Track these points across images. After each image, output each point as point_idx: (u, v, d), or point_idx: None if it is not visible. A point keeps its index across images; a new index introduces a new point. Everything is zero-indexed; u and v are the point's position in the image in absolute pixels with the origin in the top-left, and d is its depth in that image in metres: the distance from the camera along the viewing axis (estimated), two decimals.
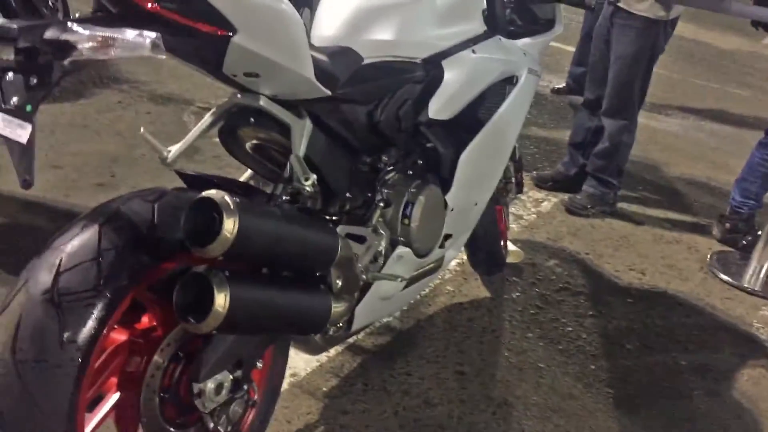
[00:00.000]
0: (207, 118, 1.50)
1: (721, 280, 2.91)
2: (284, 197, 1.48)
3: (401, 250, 1.74)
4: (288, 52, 1.31)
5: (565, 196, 3.40)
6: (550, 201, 3.41)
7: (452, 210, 1.90)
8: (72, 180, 2.75)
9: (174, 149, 1.49)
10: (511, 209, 3.23)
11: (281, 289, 1.37)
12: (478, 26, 1.91)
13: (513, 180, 2.49)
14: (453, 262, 2.64)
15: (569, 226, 3.20)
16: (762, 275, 2.90)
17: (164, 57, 1.05)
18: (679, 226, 3.38)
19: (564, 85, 4.88)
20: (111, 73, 3.87)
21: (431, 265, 1.96)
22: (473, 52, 1.86)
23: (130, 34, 0.98)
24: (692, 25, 7.62)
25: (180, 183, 1.42)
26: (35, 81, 1.02)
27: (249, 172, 1.72)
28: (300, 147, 1.43)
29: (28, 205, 2.55)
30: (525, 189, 3.45)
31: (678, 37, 7.64)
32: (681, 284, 2.85)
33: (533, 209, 3.31)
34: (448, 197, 1.87)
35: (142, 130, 1.47)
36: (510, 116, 2.04)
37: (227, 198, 1.14)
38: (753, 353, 2.48)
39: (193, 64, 1.30)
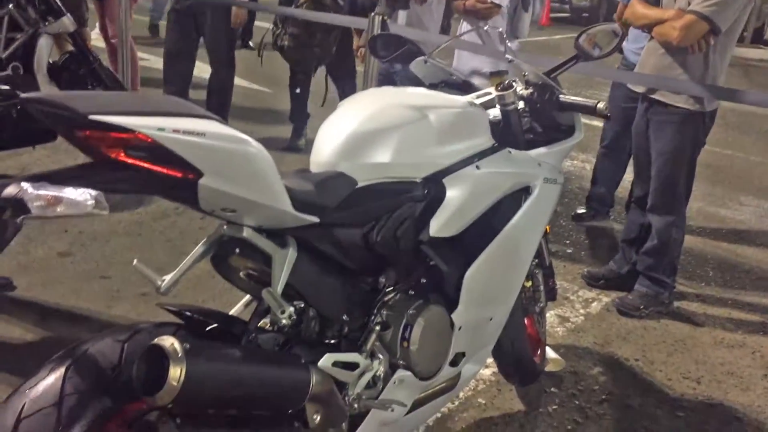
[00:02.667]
0: (199, 247, 1.54)
1: None
2: (269, 327, 1.49)
3: (401, 373, 1.70)
4: (259, 189, 1.33)
5: (617, 296, 3.26)
6: (600, 301, 3.27)
7: (460, 329, 1.85)
8: (116, 290, 2.86)
9: (167, 279, 1.54)
10: (558, 311, 3.13)
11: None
12: (484, 141, 1.90)
13: (542, 288, 2.41)
14: (487, 372, 2.56)
15: (619, 328, 3.05)
16: None
17: (107, 213, 1.09)
18: (744, 327, 3.15)
19: (585, 210, 4.27)
20: None
21: (442, 385, 1.90)
22: (477, 167, 1.84)
23: (74, 193, 1.03)
24: None
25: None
26: None
27: (248, 296, 1.74)
28: (279, 279, 1.44)
29: (71, 316, 2.67)
30: (575, 288, 3.36)
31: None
32: (740, 394, 2.63)
33: (582, 310, 3.18)
34: (455, 316, 1.83)
35: (135, 261, 1.52)
36: (524, 228, 2.00)
37: (176, 345, 1.15)
38: None
39: (170, 201, 1.34)
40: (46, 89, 3.69)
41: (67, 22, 3.84)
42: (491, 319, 2.00)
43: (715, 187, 5.13)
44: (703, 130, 3.02)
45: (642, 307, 3.16)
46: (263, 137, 5.12)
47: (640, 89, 3.15)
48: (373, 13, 3.76)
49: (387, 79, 3.93)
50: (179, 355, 1.14)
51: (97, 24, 5.76)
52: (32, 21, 3.66)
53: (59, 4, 3.85)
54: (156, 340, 1.17)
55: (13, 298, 2.68)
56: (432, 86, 2.28)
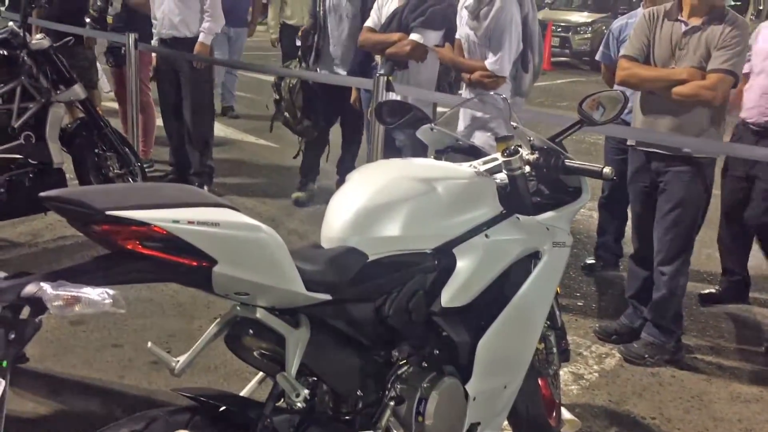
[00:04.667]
0: (213, 327, 1.55)
1: None
2: (285, 406, 1.49)
3: None
4: (272, 274, 1.35)
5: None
6: (614, 356, 3.24)
7: (475, 399, 1.84)
8: (129, 359, 2.86)
9: (182, 360, 1.54)
10: (572, 368, 3.10)
11: None
12: (492, 208, 1.92)
13: (555, 349, 2.40)
14: None
15: (634, 384, 3.02)
16: None
17: (124, 311, 1.11)
18: (760, 381, 3.12)
19: (594, 261, 4.24)
20: None
21: None
22: (486, 236, 1.86)
23: (92, 292, 1.05)
24: None
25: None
26: (13, 336, 1.10)
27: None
28: (293, 362, 1.45)
29: (83, 387, 2.66)
30: (588, 343, 3.34)
31: None
32: None
33: (595, 366, 3.15)
34: (470, 386, 1.82)
35: (149, 344, 1.54)
36: (535, 293, 2.00)
37: None
38: None
39: (185, 286, 1.36)
40: (59, 158, 3.76)
41: (78, 90, 3.94)
42: (506, 387, 1.99)
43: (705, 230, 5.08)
44: (712, 177, 3.07)
45: (647, 356, 3.16)
46: (271, 192, 5.22)
47: (646, 146, 3.17)
48: (377, 74, 3.83)
49: (391, 144, 4.00)
50: None
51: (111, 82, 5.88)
52: (44, 90, 3.76)
53: (71, 72, 3.95)
54: None
55: (26, 369, 2.68)
56: (439, 152, 2.31)
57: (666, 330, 3.17)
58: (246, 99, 8.37)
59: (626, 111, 3.52)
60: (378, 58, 4.28)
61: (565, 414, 2.62)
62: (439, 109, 4.50)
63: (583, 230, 4.88)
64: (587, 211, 5.34)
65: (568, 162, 2.09)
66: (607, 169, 2.01)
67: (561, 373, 3.00)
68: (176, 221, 1.20)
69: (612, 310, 3.70)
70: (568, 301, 3.78)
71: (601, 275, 4.17)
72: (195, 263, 1.24)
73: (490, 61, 3.49)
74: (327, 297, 1.51)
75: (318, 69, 4.68)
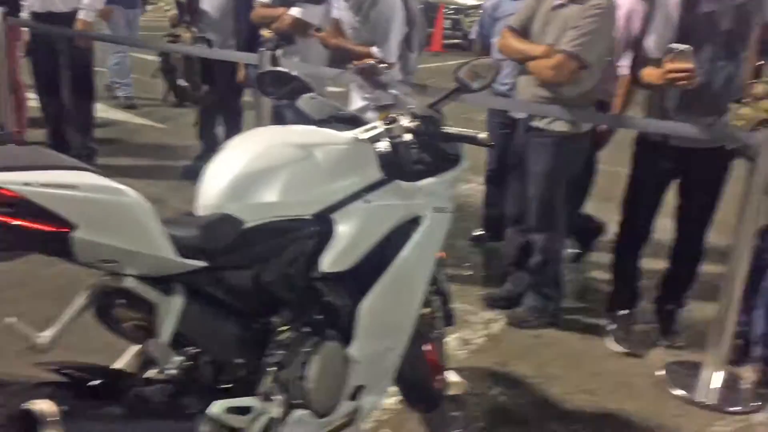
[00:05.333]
0: (79, 300, 1.48)
1: (674, 395, 2.83)
2: (159, 377, 1.45)
3: (299, 413, 1.69)
4: (138, 239, 1.31)
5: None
6: (500, 321, 3.36)
7: (358, 362, 1.86)
8: None
9: (46, 334, 1.47)
10: (460, 333, 3.19)
11: None
12: (372, 174, 1.93)
13: (440, 314, 2.46)
14: (392, 402, 2.58)
15: (518, 346, 3.14)
16: (714, 385, 2.83)
17: None
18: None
19: (482, 232, 4.33)
20: None
21: (342, 421, 1.90)
22: (366, 201, 1.87)
23: None
24: None
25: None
26: None
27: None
28: (165, 329, 1.41)
29: None
30: (476, 310, 3.45)
31: None
32: (632, 403, 2.76)
33: (482, 331, 3.25)
34: (352, 349, 1.84)
35: (7, 320, 1.45)
36: (416, 258, 2.03)
37: (48, 409, 1.10)
38: None
39: (47, 255, 1.30)
40: None
41: None
42: (389, 350, 2.02)
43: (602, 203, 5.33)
44: (582, 151, 3.18)
45: (531, 318, 3.30)
46: (157, 172, 5.06)
47: (520, 116, 3.29)
48: (262, 49, 3.77)
49: (279, 115, 3.94)
50: (53, 419, 1.10)
51: None
52: None
53: None
54: (26, 404, 1.12)
55: None
56: (321, 122, 2.30)
57: (546, 295, 3.32)
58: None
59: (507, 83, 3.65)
60: (266, 33, 4.21)
61: (452, 377, 2.69)
62: (330, 89, 4.50)
63: (473, 203, 5.00)
64: (478, 186, 5.49)
65: (445, 129, 2.13)
66: (482, 135, 2.06)
67: (450, 339, 3.09)
68: (28, 184, 1.14)
69: (499, 278, 3.82)
70: (456, 271, 3.88)
71: (489, 246, 4.28)
72: (50, 228, 1.19)
73: (377, 49, 3.51)
74: (202, 264, 1.49)
75: (197, 31, 4.61)
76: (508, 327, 3.31)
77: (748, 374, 2.96)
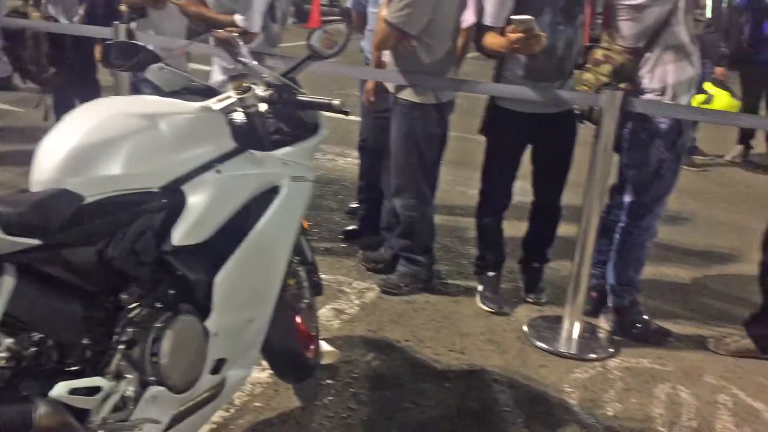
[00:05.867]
0: None
1: (537, 347, 2.98)
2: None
3: (154, 390, 1.65)
4: None
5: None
6: (374, 290, 3.40)
7: (216, 335, 1.83)
8: None
9: None
10: (334, 304, 3.21)
11: None
12: (224, 144, 1.89)
13: (306, 284, 2.46)
14: (264, 375, 2.56)
15: (391, 313, 3.20)
16: (573, 336, 3.00)
17: None
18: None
19: (358, 204, 4.19)
20: None
21: (205, 395, 1.87)
22: (218, 171, 1.83)
23: None
24: None
25: None
26: None
27: None
28: None
29: None
30: (350, 280, 3.47)
31: None
32: (498, 358, 2.88)
33: (356, 301, 3.29)
34: (209, 323, 1.81)
35: None
36: (275, 227, 2.01)
37: None
38: (565, 421, 2.51)
39: None
40: None
41: None
42: (251, 321, 2.00)
43: (459, 169, 5.40)
44: (436, 120, 3.23)
45: (402, 285, 3.37)
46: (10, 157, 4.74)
47: (391, 89, 3.32)
48: (116, 22, 3.60)
49: (137, 91, 3.78)
50: None
51: None
52: None
53: None
54: None
55: None
56: (173, 94, 2.23)
57: (414, 261, 3.39)
58: None
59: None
60: (122, 8, 4.01)
61: (325, 346, 2.71)
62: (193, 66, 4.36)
63: (348, 176, 5.02)
64: (353, 159, 5.50)
65: (300, 97, 2.12)
66: (335, 101, 2.06)
67: (324, 310, 3.11)
68: None
69: (375, 247, 3.86)
70: (331, 244, 3.89)
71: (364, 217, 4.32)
72: None
73: (240, 18, 3.42)
74: (35, 242, 1.41)
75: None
76: (382, 295, 3.36)
77: (603, 324, 3.16)
